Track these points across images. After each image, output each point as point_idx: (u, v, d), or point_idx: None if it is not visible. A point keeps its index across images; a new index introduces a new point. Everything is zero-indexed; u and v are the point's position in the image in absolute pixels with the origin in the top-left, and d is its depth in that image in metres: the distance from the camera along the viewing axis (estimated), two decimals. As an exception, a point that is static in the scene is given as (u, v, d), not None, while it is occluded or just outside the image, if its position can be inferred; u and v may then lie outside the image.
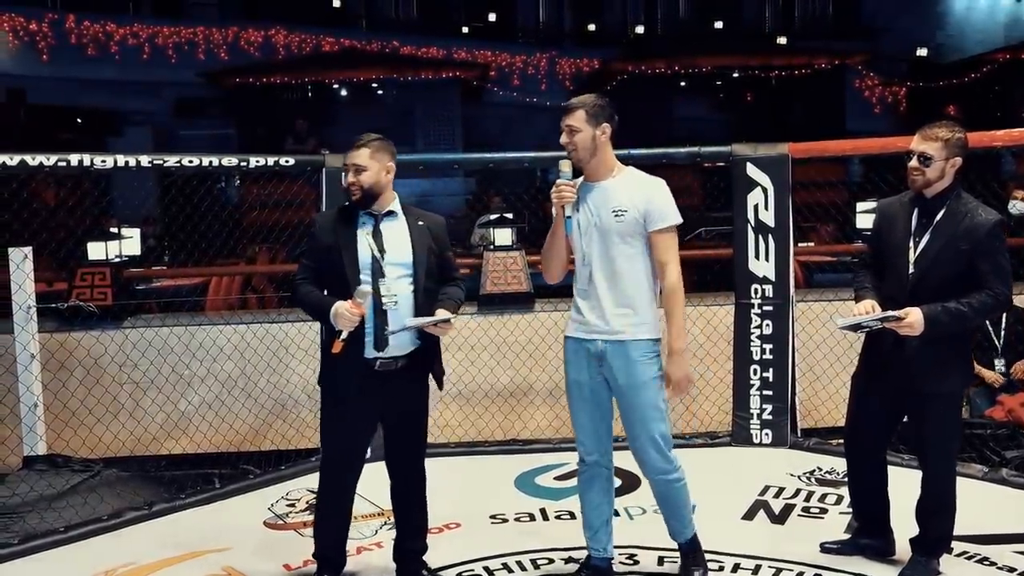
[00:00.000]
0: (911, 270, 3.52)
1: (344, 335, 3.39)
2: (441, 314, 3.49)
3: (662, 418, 3.53)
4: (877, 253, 3.72)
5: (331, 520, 3.68)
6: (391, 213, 3.57)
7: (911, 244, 3.54)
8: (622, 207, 3.45)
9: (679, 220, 3.50)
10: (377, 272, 3.46)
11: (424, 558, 3.79)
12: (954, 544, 3.79)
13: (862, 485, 3.90)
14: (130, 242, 7.51)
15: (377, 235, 3.52)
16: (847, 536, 4.04)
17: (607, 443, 3.62)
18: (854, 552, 3.90)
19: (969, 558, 3.85)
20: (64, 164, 4.81)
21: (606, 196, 3.49)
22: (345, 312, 3.37)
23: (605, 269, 3.48)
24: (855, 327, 3.53)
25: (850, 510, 4.39)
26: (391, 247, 3.51)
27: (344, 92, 18.58)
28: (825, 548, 3.96)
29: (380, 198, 3.53)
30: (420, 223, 3.60)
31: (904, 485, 3.89)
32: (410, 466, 3.69)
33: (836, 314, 5.57)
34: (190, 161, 5.11)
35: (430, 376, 3.68)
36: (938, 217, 3.52)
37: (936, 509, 3.65)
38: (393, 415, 3.62)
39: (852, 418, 3.85)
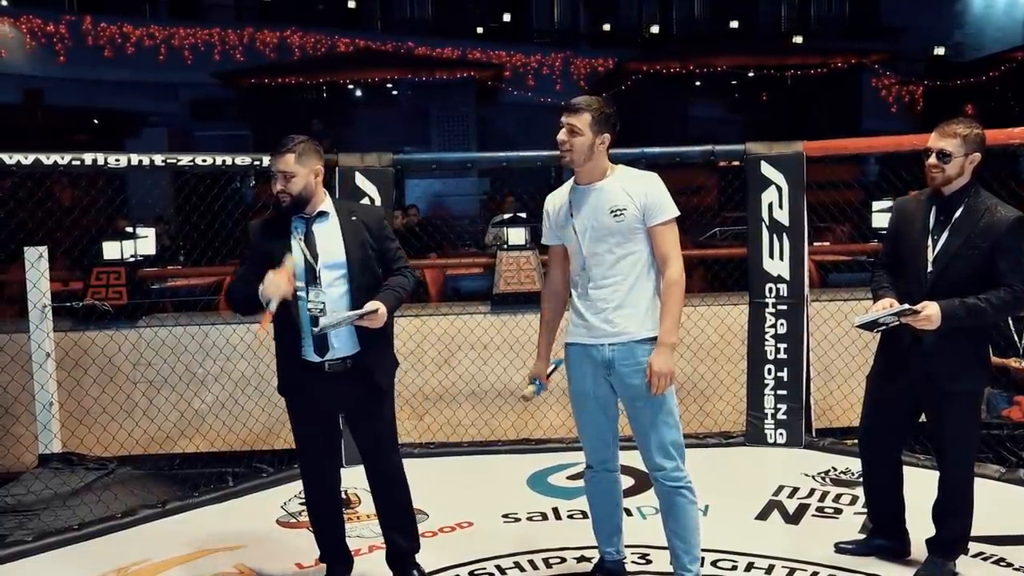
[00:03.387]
0: (929, 269, 3.48)
1: (272, 306, 3.30)
2: (368, 306, 3.37)
3: (675, 424, 3.41)
4: (894, 252, 3.68)
5: (321, 520, 3.69)
6: (322, 214, 3.49)
7: (929, 243, 3.51)
8: (620, 206, 3.34)
9: (677, 212, 3.40)
10: (311, 278, 3.40)
11: (416, 558, 3.73)
12: (970, 544, 3.74)
13: (877, 485, 3.86)
14: (145, 242, 7.54)
15: (309, 239, 3.44)
16: (862, 536, 4.01)
17: (614, 448, 3.57)
18: (868, 552, 3.87)
19: (985, 559, 3.82)
20: (78, 163, 4.83)
21: (602, 198, 3.38)
22: (270, 279, 3.28)
23: (608, 271, 3.37)
24: (871, 324, 3.49)
25: (864, 511, 4.37)
26: (324, 249, 3.44)
27: (359, 92, 18.63)
28: (840, 548, 3.93)
29: (311, 201, 3.47)
30: (353, 218, 3.52)
31: (920, 485, 3.85)
32: (380, 464, 3.64)
33: (852, 313, 5.55)
34: (203, 160, 5.13)
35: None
36: (956, 215, 3.47)
37: (953, 509, 3.62)
38: (353, 415, 3.63)
39: (867, 418, 3.82)
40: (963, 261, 3.43)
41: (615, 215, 3.34)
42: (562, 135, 3.38)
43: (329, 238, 3.46)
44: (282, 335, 3.50)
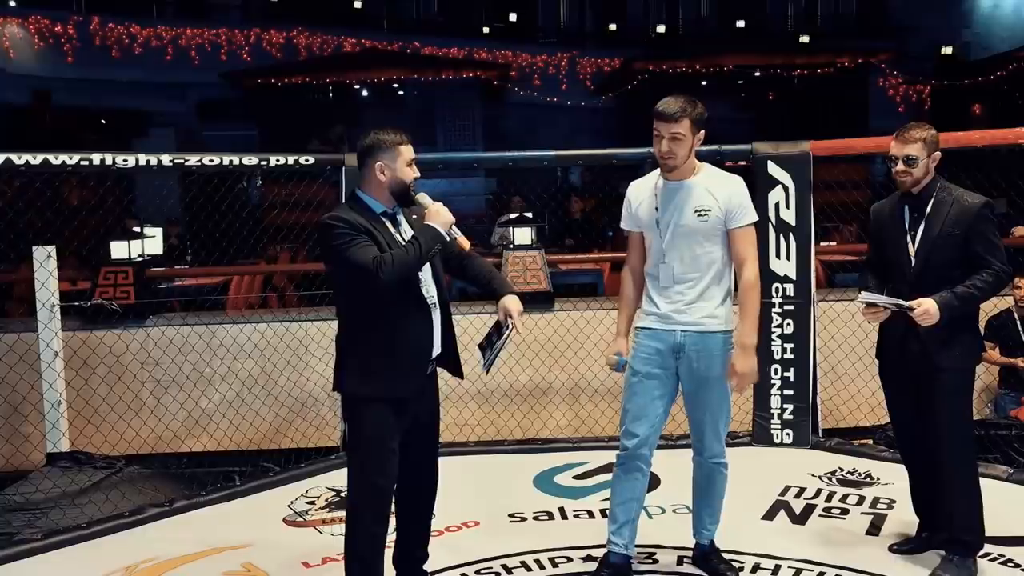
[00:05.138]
0: (912, 263, 3.65)
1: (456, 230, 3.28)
2: (513, 301, 3.38)
3: (729, 408, 3.64)
4: (878, 253, 3.85)
5: (376, 558, 3.34)
6: (398, 208, 3.38)
7: (908, 239, 3.68)
8: (705, 206, 3.48)
9: (756, 217, 3.59)
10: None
11: (424, 567, 3.66)
12: (978, 545, 3.73)
13: (918, 477, 3.89)
14: (152, 241, 7.56)
15: (405, 230, 3.34)
16: (909, 535, 3.98)
17: (655, 438, 3.63)
18: (925, 548, 3.85)
19: (994, 559, 3.80)
20: (87, 163, 4.85)
21: (688, 195, 3.51)
22: (436, 209, 3.25)
23: (687, 267, 3.51)
24: (873, 304, 3.63)
25: (871, 510, 4.38)
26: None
27: (365, 93, 18.65)
28: (894, 549, 3.92)
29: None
30: (413, 216, 3.40)
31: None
32: (433, 464, 3.56)
33: (858, 313, 5.54)
34: (211, 160, 5.15)
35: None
36: (928, 209, 3.66)
37: (961, 504, 3.62)
38: (421, 416, 3.43)
39: (889, 413, 3.95)
40: (941, 250, 3.60)
41: (700, 215, 3.49)
42: (665, 145, 3.46)
43: (409, 232, 3.35)
44: (399, 330, 3.24)
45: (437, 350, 3.38)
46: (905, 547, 3.92)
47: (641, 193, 3.65)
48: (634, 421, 3.60)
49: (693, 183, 3.53)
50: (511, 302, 3.39)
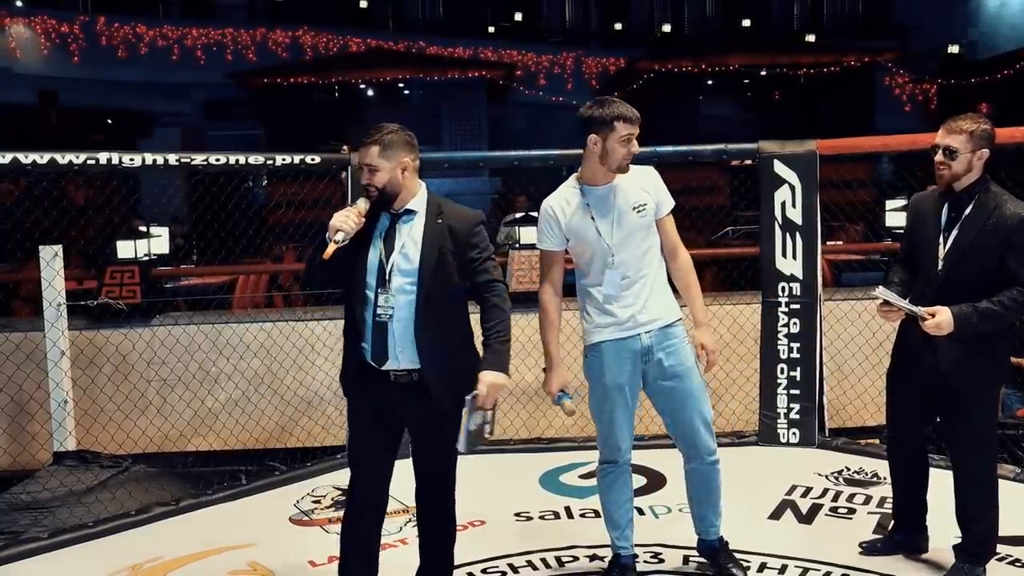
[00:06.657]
0: (940, 266, 3.45)
1: (340, 237, 3.01)
2: (484, 382, 3.13)
3: (708, 398, 3.63)
4: (910, 248, 3.65)
5: (354, 552, 3.35)
6: (409, 212, 3.17)
7: (940, 240, 3.47)
8: (641, 201, 3.51)
9: (674, 203, 3.64)
10: (381, 280, 3.13)
11: None
12: (985, 545, 3.72)
13: (904, 481, 3.82)
14: (158, 241, 7.58)
15: (389, 238, 3.16)
16: (878, 537, 3.98)
17: (632, 442, 3.66)
18: (894, 549, 3.84)
19: (1001, 559, 3.78)
20: (93, 163, 4.86)
21: (621, 195, 3.50)
22: (337, 213, 3.05)
23: (638, 265, 3.50)
24: (887, 303, 3.45)
25: (878, 510, 4.36)
26: (401, 251, 3.14)
27: (371, 92, 18.70)
28: (866, 549, 3.89)
29: (399, 197, 3.16)
30: (439, 220, 3.18)
31: (945, 486, 3.80)
32: (430, 500, 3.37)
33: (865, 312, 5.54)
34: (217, 159, 5.16)
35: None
36: (967, 211, 3.41)
37: (975, 515, 3.55)
38: (418, 432, 3.27)
39: (889, 414, 3.80)
40: (973, 259, 3.38)
41: (638, 211, 3.51)
42: (636, 146, 3.47)
43: (410, 240, 3.16)
44: (347, 334, 3.27)
45: (389, 363, 3.14)
46: (875, 547, 3.88)
47: (568, 206, 3.53)
48: (617, 434, 3.59)
49: (620, 183, 3.52)
50: (499, 379, 3.18)
